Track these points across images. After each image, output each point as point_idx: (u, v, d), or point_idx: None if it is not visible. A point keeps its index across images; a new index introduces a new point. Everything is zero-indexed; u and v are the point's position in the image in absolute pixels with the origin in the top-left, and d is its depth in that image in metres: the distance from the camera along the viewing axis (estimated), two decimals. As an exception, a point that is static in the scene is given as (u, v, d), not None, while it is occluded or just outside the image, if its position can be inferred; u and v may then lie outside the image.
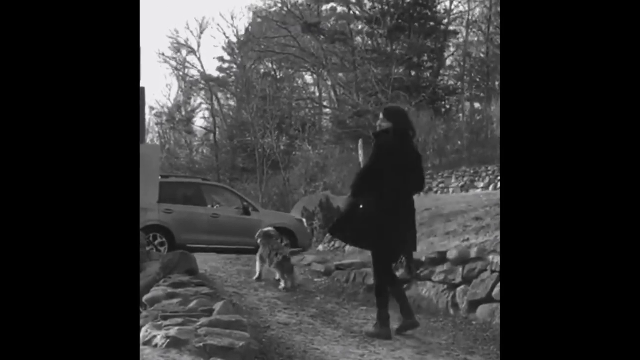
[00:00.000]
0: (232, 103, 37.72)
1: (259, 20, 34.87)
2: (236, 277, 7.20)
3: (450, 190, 18.83)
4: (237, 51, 35.82)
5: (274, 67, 35.25)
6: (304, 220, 12.94)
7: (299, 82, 36.27)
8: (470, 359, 4.36)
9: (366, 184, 4.97)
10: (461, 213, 9.68)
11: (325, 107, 34.21)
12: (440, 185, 19.46)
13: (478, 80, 30.89)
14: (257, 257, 7.12)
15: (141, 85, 4.85)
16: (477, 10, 30.78)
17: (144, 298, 4.76)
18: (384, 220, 4.83)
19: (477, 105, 29.08)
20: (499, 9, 20.83)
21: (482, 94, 29.39)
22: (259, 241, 7.11)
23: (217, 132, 35.67)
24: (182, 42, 38.16)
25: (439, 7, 30.11)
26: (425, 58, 29.22)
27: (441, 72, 30.45)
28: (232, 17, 78.28)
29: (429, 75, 29.10)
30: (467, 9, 30.97)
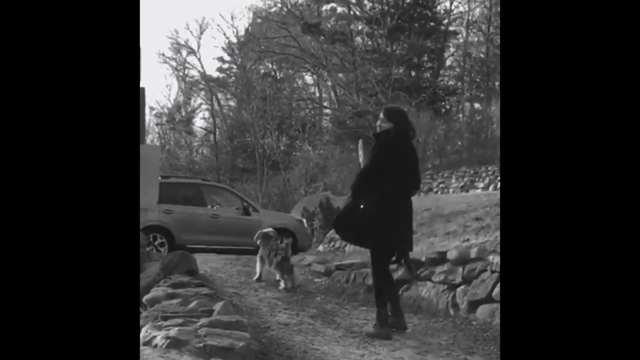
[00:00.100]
0: (232, 103, 37.75)
1: (259, 20, 34.90)
2: (236, 277, 7.19)
3: (450, 190, 18.84)
4: (237, 51, 35.84)
5: (274, 67, 35.27)
6: (304, 220, 12.95)
7: (299, 82, 36.32)
8: (470, 359, 4.36)
9: (366, 184, 5.01)
10: (461, 213, 9.70)
11: (325, 107, 34.22)
12: (440, 186, 19.47)
13: (478, 80, 30.89)
14: (257, 258, 7.13)
15: (141, 85, 4.87)
16: (477, 10, 30.86)
17: (144, 298, 4.76)
18: (384, 220, 4.87)
19: (477, 105, 29.12)
20: (499, 9, 20.84)
21: (482, 94, 29.40)
22: (258, 242, 7.12)
23: (217, 133, 35.67)
24: (182, 42, 38.33)
25: (439, 8, 30.17)
26: (425, 58, 29.25)
27: (441, 72, 30.47)
28: (232, 18, 78.38)
29: (429, 75, 29.13)
30: (467, 9, 31.06)
